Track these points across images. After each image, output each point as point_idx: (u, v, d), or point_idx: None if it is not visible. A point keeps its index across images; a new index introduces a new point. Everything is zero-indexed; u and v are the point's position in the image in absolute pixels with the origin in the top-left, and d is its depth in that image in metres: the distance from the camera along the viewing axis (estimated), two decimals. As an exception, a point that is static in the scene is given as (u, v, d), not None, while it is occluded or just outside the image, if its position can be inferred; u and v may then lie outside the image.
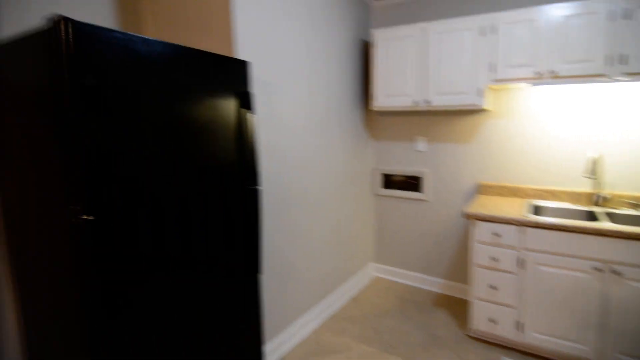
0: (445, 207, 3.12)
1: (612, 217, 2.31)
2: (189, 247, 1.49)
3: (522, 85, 2.55)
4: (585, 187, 2.55)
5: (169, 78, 1.36)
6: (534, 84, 2.45)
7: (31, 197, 1.39)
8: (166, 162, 1.37)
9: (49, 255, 1.34)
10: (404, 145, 3.26)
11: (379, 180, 3.42)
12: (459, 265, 3.11)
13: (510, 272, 2.27)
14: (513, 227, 2.23)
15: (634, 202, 2.37)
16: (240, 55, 1.90)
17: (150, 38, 1.27)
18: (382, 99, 2.93)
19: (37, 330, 1.53)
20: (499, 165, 2.86)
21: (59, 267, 1.30)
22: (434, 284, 3.25)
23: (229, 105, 1.62)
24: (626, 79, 2.12)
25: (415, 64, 2.76)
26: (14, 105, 1.37)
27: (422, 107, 2.75)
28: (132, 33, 1.22)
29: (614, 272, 1.99)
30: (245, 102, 1.69)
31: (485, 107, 2.56)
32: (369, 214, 3.45)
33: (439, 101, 2.68)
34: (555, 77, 2.27)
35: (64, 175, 1.17)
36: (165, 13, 2.11)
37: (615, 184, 2.46)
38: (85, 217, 1.15)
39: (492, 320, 2.36)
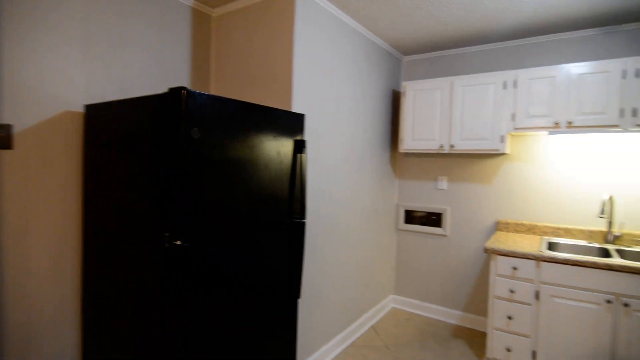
0: (464, 242, 3.30)
1: (623, 254, 2.48)
2: (251, 269, 1.72)
3: (541, 133, 2.79)
4: (599, 225, 2.73)
5: (246, 128, 1.63)
6: (551, 133, 2.69)
7: (120, 222, 1.65)
8: (240, 197, 1.63)
9: (131, 270, 1.59)
10: (427, 184, 3.49)
11: (402, 215, 3.64)
12: (477, 299, 3.26)
13: (526, 304, 2.42)
14: (530, 261, 2.40)
15: (645, 244, 2.54)
16: (295, 107, 2.20)
17: (236, 99, 1.56)
18: (409, 142, 3.22)
19: (96, 330, 1.76)
20: (516, 204, 3.06)
21: (142, 280, 1.54)
22: (452, 316, 3.38)
23: (287, 150, 1.89)
24: (637, 129, 2.35)
25: (441, 112, 3.05)
26: (114, 148, 1.66)
27: (447, 150, 3.02)
28: (223, 96, 1.50)
29: (623, 304, 2.14)
30: (300, 147, 1.96)
31: (505, 152, 2.81)
32: (391, 247, 3.65)
33: (463, 145, 2.95)
34: (572, 127, 2.51)
35: (165, 208, 1.43)
36: (228, 74, 2.56)
37: (626, 224, 2.64)
38: (178, 242, 1.40)
39: (508, 350, 2.49)
